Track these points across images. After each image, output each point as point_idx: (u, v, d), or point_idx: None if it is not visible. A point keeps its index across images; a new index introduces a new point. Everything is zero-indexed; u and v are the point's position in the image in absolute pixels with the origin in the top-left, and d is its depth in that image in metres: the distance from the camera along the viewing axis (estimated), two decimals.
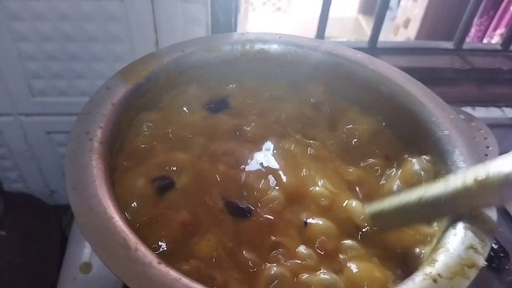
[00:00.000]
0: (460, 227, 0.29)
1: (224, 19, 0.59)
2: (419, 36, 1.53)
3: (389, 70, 0.41)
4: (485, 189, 0.27)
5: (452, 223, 0.30)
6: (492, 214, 0.30)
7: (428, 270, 0.26)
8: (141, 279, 0.24)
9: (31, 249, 0.64)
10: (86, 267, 0.54)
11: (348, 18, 2.24)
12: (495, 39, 1.24)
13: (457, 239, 0.28)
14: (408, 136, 0.39)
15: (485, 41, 1.28)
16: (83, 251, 0.56)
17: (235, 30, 0.63)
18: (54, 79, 0.59)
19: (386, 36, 1.80)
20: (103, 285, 0.50)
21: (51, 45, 0.55)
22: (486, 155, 0.62)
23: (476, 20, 1.27)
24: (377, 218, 0.32)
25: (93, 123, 0.32)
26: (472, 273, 0.26)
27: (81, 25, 0.54)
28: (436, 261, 0.27)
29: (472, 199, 0.28)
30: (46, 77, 0.58)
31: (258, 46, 0.44)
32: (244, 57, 0.44)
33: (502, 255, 0.48)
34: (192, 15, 0.54)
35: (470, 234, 0.28)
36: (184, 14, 0.54)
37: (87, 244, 0.58)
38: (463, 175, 0.28)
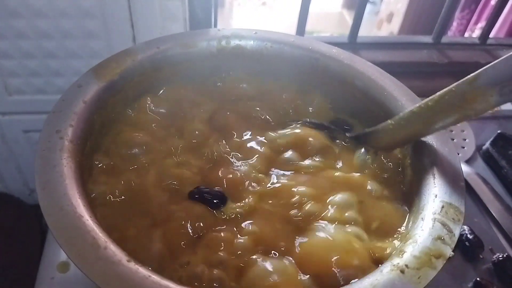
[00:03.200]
0: (429, 218, 0.29)
1: (203, 15, 0.59)
2: (402, 30, 1.55)
3: (363, 65, 0.42)
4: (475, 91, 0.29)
5: (421, 214, 0.30)
6: (460, 205, 0.30)
7: (396, 261, 0.27)
8: (111, 278, 0.24)
9: (11, 249, 0.63)
10: (64, 266, 0.53)
11: (332, 12, 2.25)
12: (476, 32, 1.26)
13: (425, 230, 0.29)
14: None
15: (466, 34, 1.30)
16: (61, 250, 0.56)
17: (215, 26, 0.63)
18: (31, 77, 0.58)
19: (370, 31, 1.82)
20: (81, 283, 0.50)
21: (27, 43, 0.55)
22: (463, 147, 0.63)
23: (457, 14, 1.29)
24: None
25: (64, 121, 0.32)
26: (439, 263, 0.27)
27: (57, 22, 0.53)
28: (404, 252, 0.28)
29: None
30: (23, 75, 0.57)
31: (234, 42, 0.44)
32: (220, 53, 0.44)
33: (476, 244, 0.49)
34: (170, 11, 0.54)
35: (438, 225, 0.29)
36: (161, 10, 0.54)
37: None
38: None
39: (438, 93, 0.32)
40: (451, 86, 0.31)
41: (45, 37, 0.54)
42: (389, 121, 0.36)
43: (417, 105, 0.33)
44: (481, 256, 0.49)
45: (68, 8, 0.52)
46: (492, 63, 0.29)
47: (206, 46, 0.43)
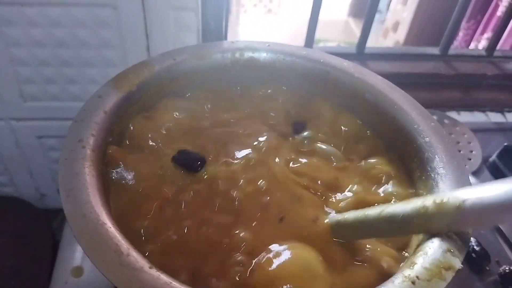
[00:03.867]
0: None
1: (215, 26, 0.60)
2: (408, 39, 1.56)
3: (373, 78, 0.43)
4: (441, 212, 0.27)
5: None
6: None
7: (407, 273, 0.28)
8: (133, 284, 0.25)
9: (22, 253, 0.64)
10: (78, 271, 0.54)
11: (338, 20, 2.27)
12: (482, 43, 1.27)
13: (435, 242, 0.29)
14: (391, 143, 0.41)
15: (472, 45, 1.30)
16: (75, 255, 0.57)
17: (226, 37, 0.64)
18: (46, 84, 0.59)
19: (376, 40, 1.83)
20: None
21: (43, 51, 0.56)
22: (470, 159, 0.64)
23: (463, 24, 1.30)
24: (337, 228, 0.33)
25: (86, 130, 0.33)
26: (449, 275, 0.28)
27: (73, 31, 0.54)
28: (415, 264, 0.28)
29: (429, 220, 0.28)
30: (38, 82, 0.59)
31: (248, 54, 0.45)
32: (234, 65, 0.45)
33: (483, 256, 0.50)
34: (184, 22, 0.55)
35: (447, 238, 0.30)
36: (176, 21, 0.55)
37: (78, 248, 0.59)
38: (424, 198, 0.29)
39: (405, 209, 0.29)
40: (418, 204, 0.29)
41: (61, 46, 0.56)
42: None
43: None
44: (487, 268, 0.50)
45: (84, 18, 0.53)
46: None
47: (220, 58, 0.44)
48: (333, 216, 0.34)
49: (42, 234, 0.68)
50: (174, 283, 0.25)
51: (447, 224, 0.28)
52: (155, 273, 0.25)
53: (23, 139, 0.65)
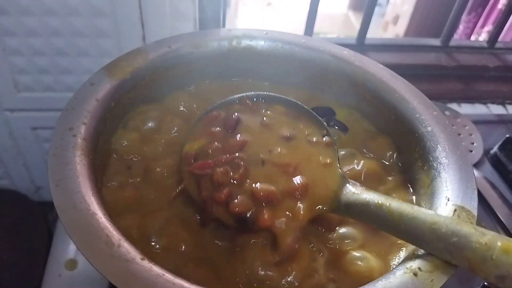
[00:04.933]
0: None
1: (212, 14, 0.59)
2: (408, 32, 1.54)
3: (374, 67, 0.42)
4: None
5: None
6: (473, 208, 0.30)
7: (409, 264, 0.27)
8: (125, 276, 0.24)
9: (17, 246, 0.63)
10: (72, 264, 0.54)
11: (338, 14, 2.25)
12: (482, 36, 1.25)
13: None
14: (392, 132, 0.40)
15: (472, 37, 1.29)
16: (69, 248, 0.56)
17: (224, 26, 0.63)
18: (40, 74, 0.58)
19: (375, 33, 1.81)
20: (88, 281, 0.50)
21: (37, 40, 0.55)
22: (471, 151, 0.63)
23: (464, 17, 1.29)
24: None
25: (77, 119, 0.32)
26: (452, 268, 0.27)
27: (67, 20, 0.53)
28: (417, 255, 0.28)
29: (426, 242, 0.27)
30: (32, 72, 0.58)
31: (245, 42, 0.44)
32: (231, 53, 0.44)
33: None
34: (180, 10, 0.54)
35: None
36: (172, 9, 0.54)
37: None
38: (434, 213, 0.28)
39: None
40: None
41: (55, 35, 0.54)
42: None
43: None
44: None
45: (79, 6, 0.52)
46: None
47: (217, 46, 0.43)
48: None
49: (37, 227, 0.67)
50: (166, 274, 0.24)
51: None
52: (147, 264, 0.24)
53: (18, 131, 0.64)
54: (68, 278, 0.52)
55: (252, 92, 0.38)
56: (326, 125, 0.36)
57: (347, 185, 0.32)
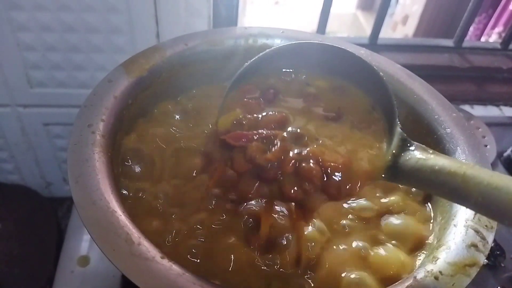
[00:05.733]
0: (461, 225, 0.29)
1: (226, 12, 0.59)
2: (417, 33, 1.53)
3: (392, 67, 0.41)
4: None
5: (453, 220, 0.30)
6: None
7: (430, 268, 0.26)
8: (145, 274, 0.24)
9: (28, 241, 0.63)
10: (84, 260, 0.54)
11: (346, 13, 2.24)
12: (493, 37, 1.24)
13: (458, 237, 0.28)
14: (410, 133, 0.39)
15: (483, 39, 1.28)
16: (81, 244, 0.56)
17: (237, 23, 0.62)
18: (53, 70, 0.58)
19: (384, 33, 1.80)
20: (101, 278, 0.50)
21: (51, 36, 0.55)
22: None
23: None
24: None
25: (96, 116, 0.32)
26: (473, 271, 0.26)
27: (82, 16, 0.53)
28: (438, 258, 0.27)
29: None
30: (45, 68, 0.58)
31: (262, 40, 0.43)
32: (248, 52, 0.43)
33: (498, 252, 0.49)
34: (194, 8, 0.54)
35: (471, 232, 0.28)
36: (186, 7, 0.53)
37: (85, 238, 0.58)
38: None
39: None
40: None
41: (69, 31, 0.54)
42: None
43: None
44: (502, 265, 0.49)
45: (93, 2, 0.52)
46: None
47: (233, 44, 0.43)
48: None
49: (47, 223, 0.67)
50: (186, 274, 0.24)
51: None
52: (167, 263, 0.24)
53: (29, 126, 0.64)
54: (80, 274, 0.52)
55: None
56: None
57: (410, 148, 0.28)
